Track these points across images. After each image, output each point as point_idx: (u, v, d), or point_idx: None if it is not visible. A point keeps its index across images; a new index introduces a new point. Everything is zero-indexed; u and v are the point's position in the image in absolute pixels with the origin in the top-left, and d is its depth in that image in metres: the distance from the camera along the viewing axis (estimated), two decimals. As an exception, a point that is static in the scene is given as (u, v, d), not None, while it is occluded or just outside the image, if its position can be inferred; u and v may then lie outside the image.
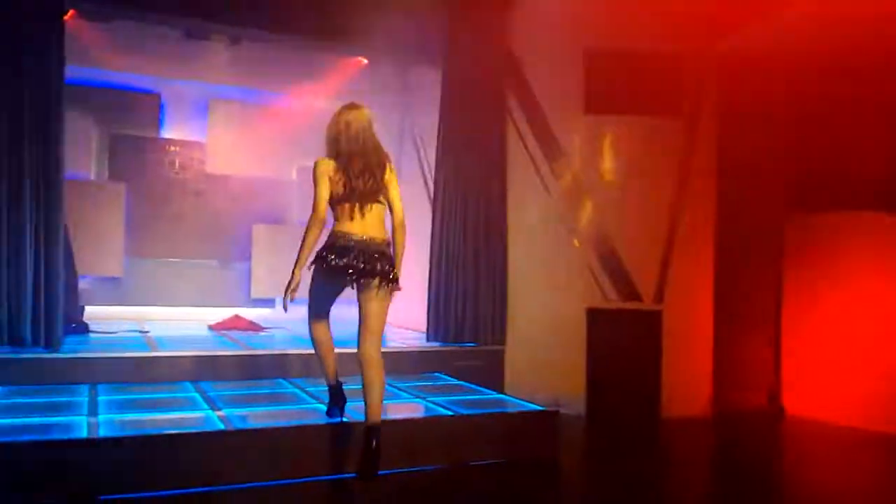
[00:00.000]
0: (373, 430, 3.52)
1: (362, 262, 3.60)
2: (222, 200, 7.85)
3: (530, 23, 6.13)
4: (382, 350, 3.65)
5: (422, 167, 7.44)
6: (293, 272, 3.60)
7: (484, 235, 6.07)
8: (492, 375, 5.79)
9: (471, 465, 4.19)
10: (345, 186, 3.63)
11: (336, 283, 3.73)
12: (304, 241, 3.62)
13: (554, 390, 5.67)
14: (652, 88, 6.08)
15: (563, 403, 5.47)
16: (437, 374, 5.71)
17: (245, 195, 8.06)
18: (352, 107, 3.75)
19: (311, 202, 3.64)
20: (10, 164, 4.76)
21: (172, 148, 7.96)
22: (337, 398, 4.04)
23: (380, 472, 3.49)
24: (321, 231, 3.67)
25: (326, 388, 4.07)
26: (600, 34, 6.04)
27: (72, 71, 5.13)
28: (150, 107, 7.87)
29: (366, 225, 3.66)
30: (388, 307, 3.72)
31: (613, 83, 6.06)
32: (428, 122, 6.71)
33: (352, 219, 3.65)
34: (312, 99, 7.56)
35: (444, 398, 4.78)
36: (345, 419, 4.06)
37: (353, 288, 3.70)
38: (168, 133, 8.02)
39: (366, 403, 3.59)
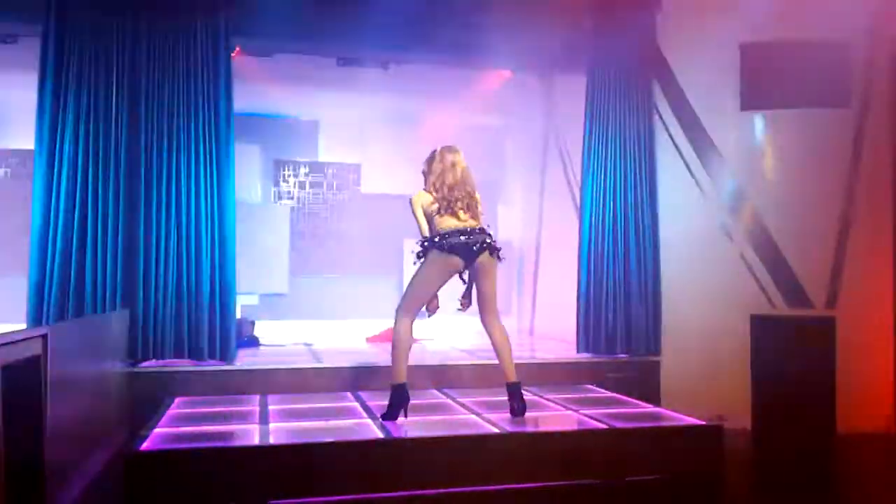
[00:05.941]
0: (518, 384, 4.39)
1: (475, 238, 4.30)
2: (376, 218, 8.15)
3: (680, 20, 5.91)
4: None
5: (567, 177, 7.35)
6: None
7: (634, 242, 5.88)
8: (646, 387, 5.60)
9: (627, 480, 4.07)
10: (443, 206, 4.35)
11: (449, 268, 4.31)
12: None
13: (716, 403, 5.40)
14: (816, 81, 5.66)
15: (727, 417, 5.20)
16: (588, 385, 5.62)
17: (397, 212, 8.32)
18: (454, 149, 4.49)
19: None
20: (188, 190, 5.19)
21: (330, 170, 8.41)
22: (404, 397, 4.30)
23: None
24: None
25: (394, 391, 4.30)
26: (757, 26, 5.72)
27: (238, 103, 5.54)
28: (309, 132, 8.37)
29: (461, 222, 4.38)
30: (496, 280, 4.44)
31: (772, 77, 5.72)
32: (573, 131, 6.61)
33: (452, 219, 4.36)
34: (458, 115, 7.69)
35: (597, 411, 4.69)
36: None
37: (465, 270, 4.34)
38: (326, 156, 8.48)
39: (508, 366, 4.39)
